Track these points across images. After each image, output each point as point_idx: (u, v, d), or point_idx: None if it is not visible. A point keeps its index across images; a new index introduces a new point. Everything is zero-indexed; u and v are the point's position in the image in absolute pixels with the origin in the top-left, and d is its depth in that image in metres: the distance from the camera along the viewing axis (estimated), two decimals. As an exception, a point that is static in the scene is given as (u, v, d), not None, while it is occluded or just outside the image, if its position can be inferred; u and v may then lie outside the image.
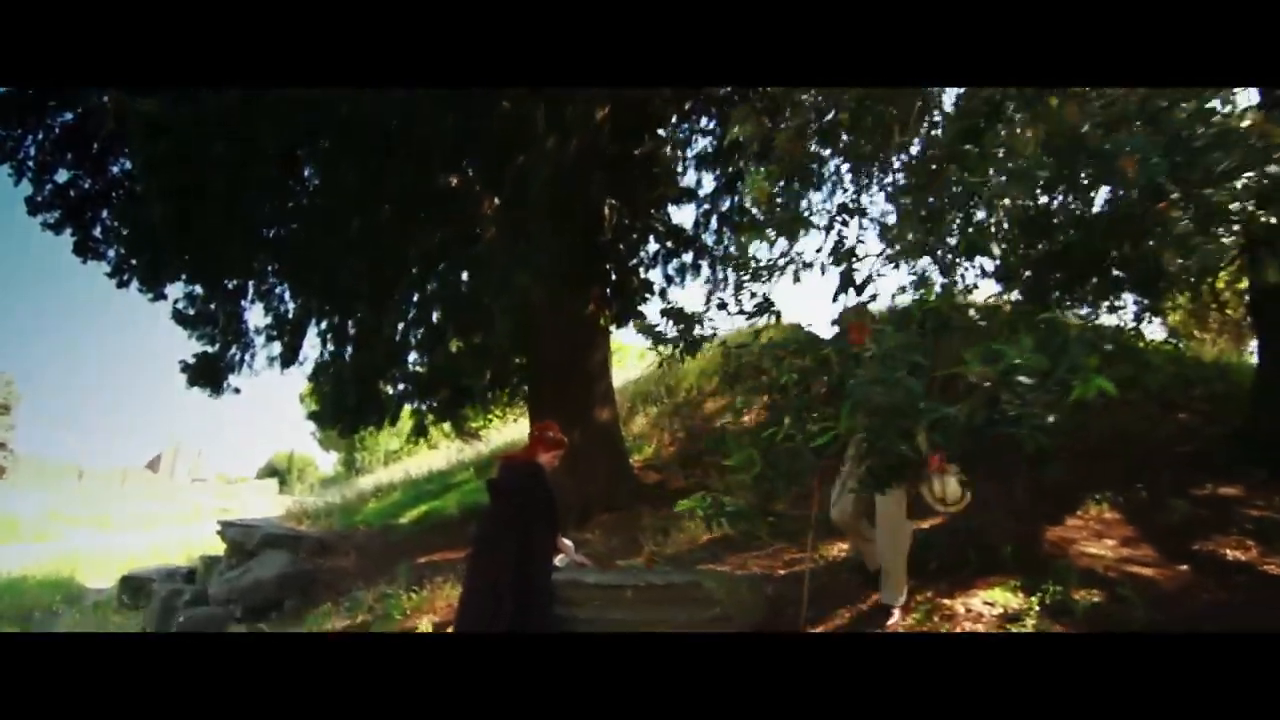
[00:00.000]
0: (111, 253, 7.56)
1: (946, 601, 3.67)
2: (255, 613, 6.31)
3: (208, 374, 6.44)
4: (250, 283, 6.59)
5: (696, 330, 3.08)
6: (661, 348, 3.21)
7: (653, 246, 7.99)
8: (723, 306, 2.82)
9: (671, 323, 3.00)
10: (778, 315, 3.32)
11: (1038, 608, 3.37)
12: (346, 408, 6.31)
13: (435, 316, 6.73)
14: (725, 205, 7.55)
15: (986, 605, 3.58)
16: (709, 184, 7.78)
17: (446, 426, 8.53)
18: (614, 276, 7.79)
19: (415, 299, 6.33)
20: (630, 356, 16.97)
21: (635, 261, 7.93)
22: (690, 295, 10.55)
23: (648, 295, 8.21)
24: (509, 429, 14.94)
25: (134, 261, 7.11)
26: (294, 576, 6.57)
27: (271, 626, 5.91)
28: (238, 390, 6.75)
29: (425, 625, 4.88)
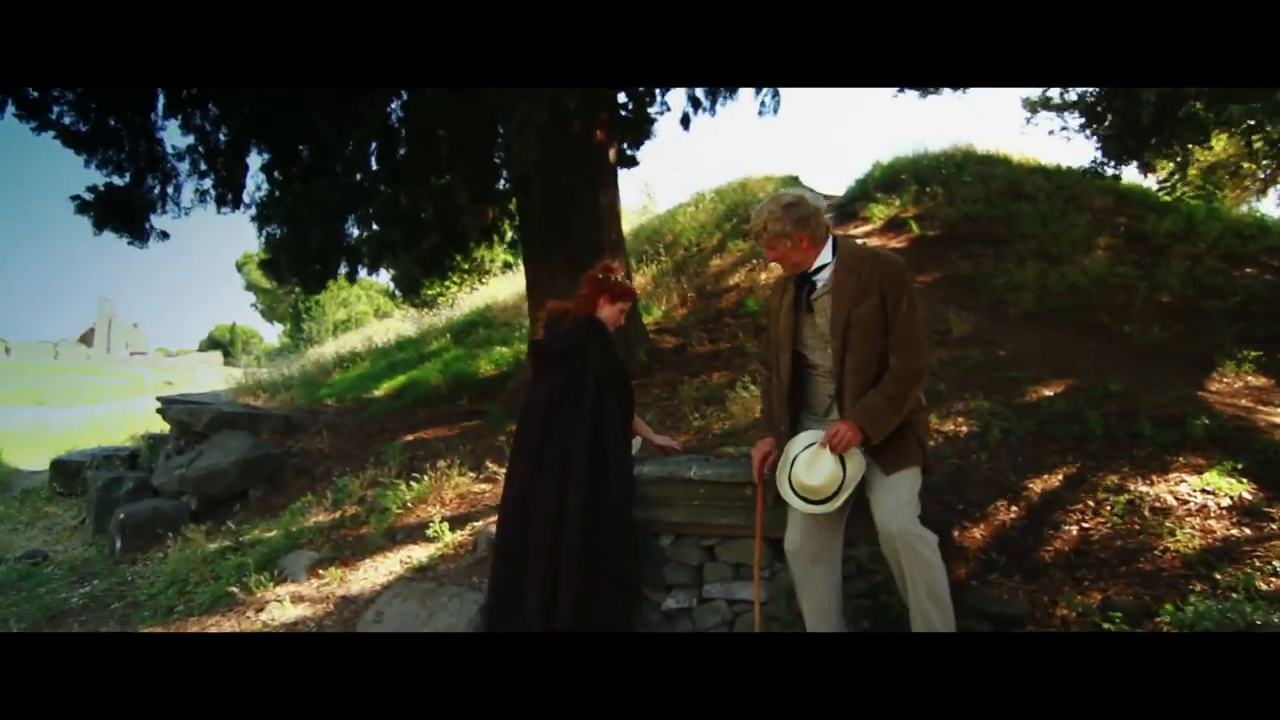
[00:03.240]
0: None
1: (1148, 490, 2.83)
2: (214, 505, 5.27)
3: (120, 213, 4.84)
4: (160, 92, 4.87)
5: None
6: None
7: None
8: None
9: None
10: None
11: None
12: (307, 253, 4.88)
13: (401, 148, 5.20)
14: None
15: (1205, 494, 2.75)
16: None
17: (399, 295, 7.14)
18: (625, 98, 6.31)
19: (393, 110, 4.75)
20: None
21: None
22: (712, 130, 9.07)
23: (653, 132, 6.83)
24: (472, 296, 13.60)
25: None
26: (258, 462, 5.48)
27: (236, 522, 4.90)
28: (165, 235, 5.19)
29: (437, 520, 3.93)
